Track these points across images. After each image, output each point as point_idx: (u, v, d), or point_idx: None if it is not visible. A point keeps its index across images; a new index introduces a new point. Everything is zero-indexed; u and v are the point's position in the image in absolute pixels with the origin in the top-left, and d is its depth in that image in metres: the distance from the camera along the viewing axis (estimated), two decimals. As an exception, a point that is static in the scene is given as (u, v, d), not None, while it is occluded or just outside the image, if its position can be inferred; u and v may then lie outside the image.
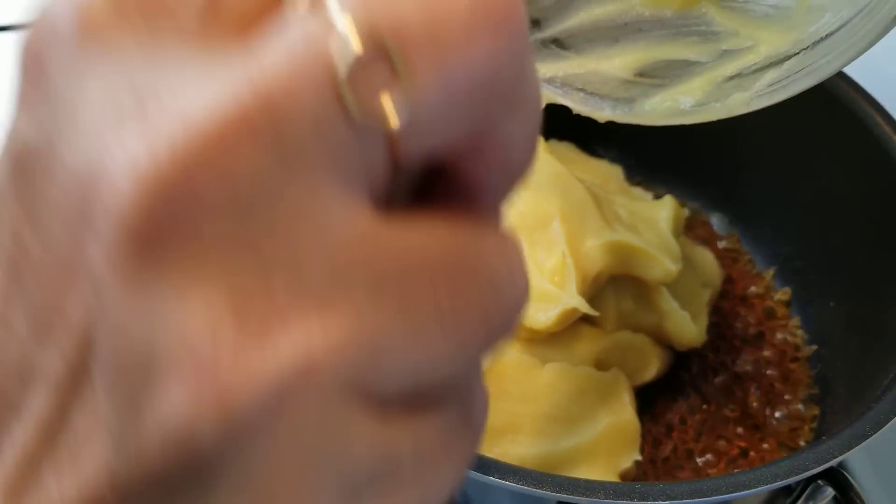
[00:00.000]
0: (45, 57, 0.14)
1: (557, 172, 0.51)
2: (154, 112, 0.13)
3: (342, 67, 0.13)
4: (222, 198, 0.13)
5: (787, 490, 0.41)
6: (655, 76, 0.43)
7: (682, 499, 0.36)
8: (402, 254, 0.14)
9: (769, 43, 0.40)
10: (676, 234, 0.54)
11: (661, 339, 0.54)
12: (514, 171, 0.16)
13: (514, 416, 0.47)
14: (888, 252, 0.50)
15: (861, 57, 0.41)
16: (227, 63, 0.13)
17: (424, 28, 0.13)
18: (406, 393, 0.14)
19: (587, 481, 0.37)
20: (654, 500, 0.36)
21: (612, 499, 0.36)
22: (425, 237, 0.14)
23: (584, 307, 0.47)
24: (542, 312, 0.48)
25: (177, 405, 0.13)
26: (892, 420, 0.40)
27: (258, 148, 0.13)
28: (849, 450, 0.38)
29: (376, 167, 0.14)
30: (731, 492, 0.37)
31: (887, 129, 0.51)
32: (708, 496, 0.37)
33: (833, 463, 0.38)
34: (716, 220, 0.66)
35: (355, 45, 0.13)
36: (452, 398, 0.15)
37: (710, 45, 0.42)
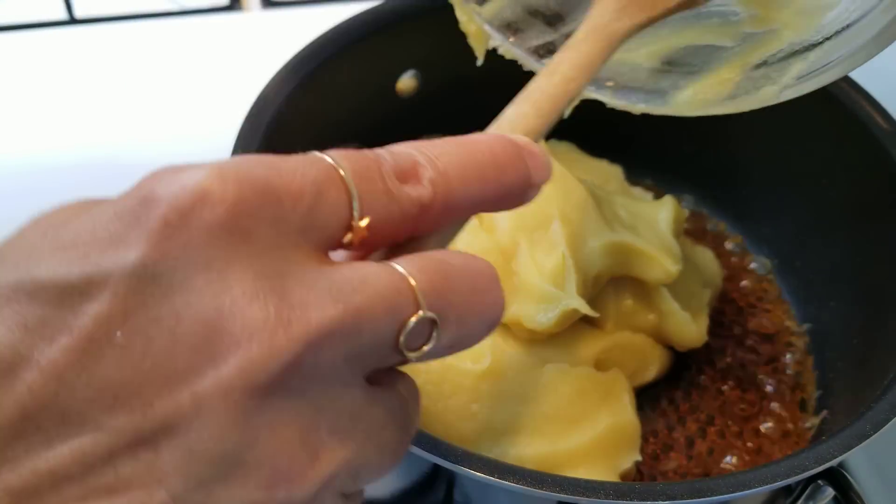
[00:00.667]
0: (190, 220, 0.20)
1: (557, 173, 0.51)
2: (284, 303, 0.20)
3: (410, 322, 0.22)
4: (309, 371, 0.21)
5: (787, 490, 0.41)
6: (683, 63, 0.44)
7: (682, 499, 0.36)
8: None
9: (790, 26, 0.40)
10: (676, 235, 0.54)
11: (661, 340, 0.54)
12: None
13: (513, 416, 0.47)
14: (888, 252, 0.50)
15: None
16: (331, 276, 0.21)
17: (457, 317, 0.23)
18: (380, 370, 0.24)
19: (587, 481, 0.37)
20: (654, 499, 0.36)
21: (612, 499, 0.36)
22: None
23: (584, 308, 0.47)
24: (542, 313, 0.48)
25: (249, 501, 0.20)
26: (892, 420, 0.40)
27: (340, 343, 0.21)
28: (849, 450, 0.38)
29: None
30: (731, 492, 0.37)
31: (887, 129, 0.51)
32: (708, 496, 0.37)
33: (833, 463, 0.38)
34: (715, 220, 0.66)
35: (423, 311, 0.22)
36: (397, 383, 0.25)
37: (732, 27, 0.42)
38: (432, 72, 0.59)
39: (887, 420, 0.39)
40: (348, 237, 0.22)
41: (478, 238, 0.49)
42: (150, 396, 0.19)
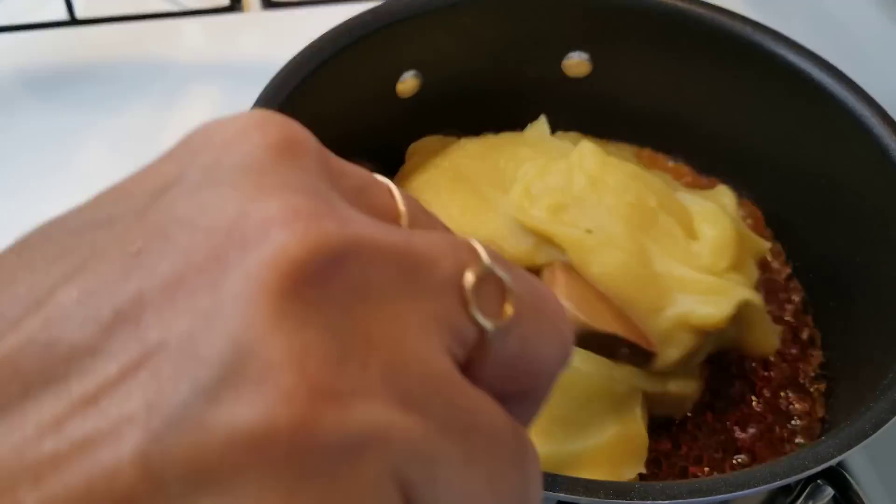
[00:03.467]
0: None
1: (633, 172, 0.50)
2: (327, 204, 0.16)
3: (478, 268, 0.18)
4: (356, 281, 0.16)
5: (787, 489, 0.41)
6: None
7: (682, 498, 0.36)
8: (474, 410, 0.17)
9: None
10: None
11: (734, 348, 0.53)
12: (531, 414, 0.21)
13: None
14: (887, 252, 0.50)
15: (860, 57, 0.41)
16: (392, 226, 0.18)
17: (531, 301, 0.19)
18: None
19: (587, 480, 0.37)
20: (654, 499, 0.36)
21: (612, 498, 0.36)
22: (491, 411, 0.18)
23: (758, 300, 0.47)
24: (711, 306, 0.45)
25: (251, 411, 0.14)
26: (892, 420, 0.40)
27: (394, 267, 0.16)
28: (848, 449, 0.38)
29: (467, 347, 0.18)
30: (731, 491, 0.37)
31: (886, 128, 0.51)
32: (707, 495, 0.37)
33: (832, 462, 0.38)
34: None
35: (486, 262, 0.18)
36: None
37: None
38: (433, 73, 0.59)
39: (886, 420, 0.39)
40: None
41: (606, 255, 0.47)
42: (158, 304, 0.15)
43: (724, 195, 0.55)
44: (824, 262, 0.58)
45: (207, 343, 0.14)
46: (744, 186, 0.63)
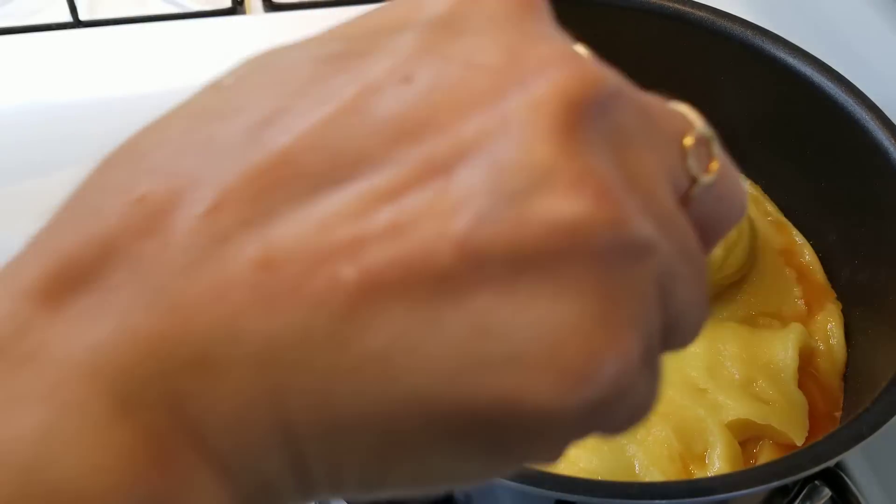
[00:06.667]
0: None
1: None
2: (584, 57, 0.19)
3: (696, 131, 0.20)
4: (614, 123, 0.18)
5: (785, 490, 0.41)
6: None
7: (679, 498, 0.37)
8: (695, 243, 0.20)
9: None
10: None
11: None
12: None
13: None
14: (886, 254, 0.51)
15: (858, 60, 0.41)
16: None
17: (727, 167, 0.22)
18: None
19: (586, 480, 0.37)
20: (652, 499, 0.36)
21: (611, 497, 0.36)
22: (700, 247, 0.20)
23: None
24: None
25: (571, 207, 0.16)
26: (889, 421, 0.40)
27: (640, 118, 0.19)
28: (845, 451, 0.38)
29: (679, 195, 0.20)
30: (729, 491, 0.37)
31: (884, 131, 0.51)
32: (705, 495, 0.37)
33: (830, 463, 0.38)
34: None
35: (702, 128, 0.21)
36: None
37: None
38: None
39: (884, 421, 0.40)
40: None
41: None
42: (442, 123, 0.17)
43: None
44: (822, 264, 0.58)
45: (506, 155, 0.16)
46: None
